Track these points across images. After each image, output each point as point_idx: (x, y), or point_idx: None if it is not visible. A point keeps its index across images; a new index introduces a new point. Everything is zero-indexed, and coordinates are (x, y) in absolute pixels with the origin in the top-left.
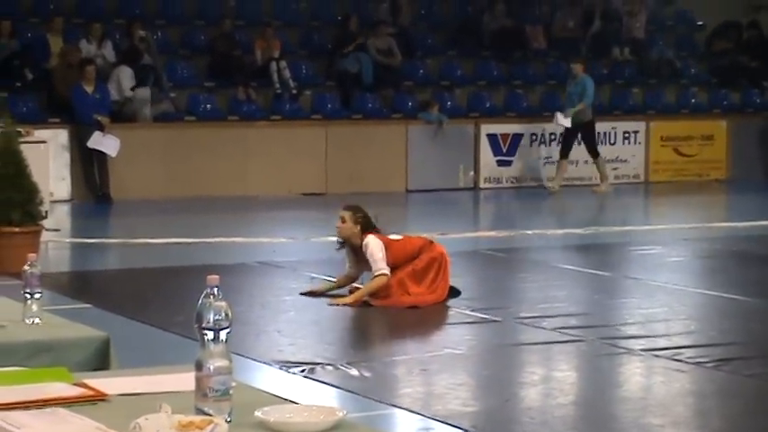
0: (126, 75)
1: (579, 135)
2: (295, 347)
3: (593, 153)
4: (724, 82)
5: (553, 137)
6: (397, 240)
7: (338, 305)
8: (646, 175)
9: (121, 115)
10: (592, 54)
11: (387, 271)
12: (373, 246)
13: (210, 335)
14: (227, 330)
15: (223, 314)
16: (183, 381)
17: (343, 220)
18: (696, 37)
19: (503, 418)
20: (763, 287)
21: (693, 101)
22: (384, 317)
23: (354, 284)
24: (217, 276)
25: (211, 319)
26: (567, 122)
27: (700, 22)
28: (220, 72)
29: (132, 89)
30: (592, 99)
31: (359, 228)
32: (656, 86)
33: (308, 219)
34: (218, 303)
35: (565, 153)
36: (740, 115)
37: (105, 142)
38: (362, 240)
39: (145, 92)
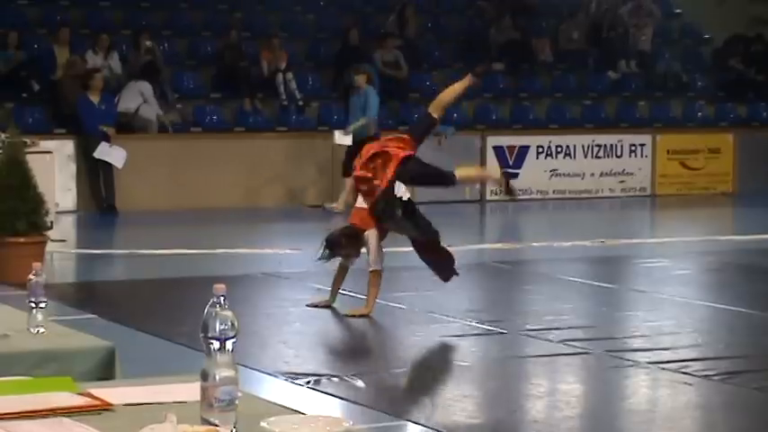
0: (149, 89)
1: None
2: (300, 359)
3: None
4: (730, 95)
5: (560, 149)
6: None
7: (355, 316)
8: (652, 188)
9: (130, 127)
10: (599, 66)
11: (378, 267)
12: (372, 240)
13: (216, 344)
14: (233, 340)
15: (229, 324)
16: (189, 391)
17: None
18: (703, 50)
19: (509, 430)
20: None
21: (700, 114)
22: (390, 329)
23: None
24: (223, 285)
25: (217, 329)
26: (348, 140)
27: (706, 36)
28: (227, 83)
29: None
30: (375, 113)
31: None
32: (662, 99)
33: (314, 230)
34: (225, 313)
35: (347, 171)
36: (747, 128)
37: (112, 153)
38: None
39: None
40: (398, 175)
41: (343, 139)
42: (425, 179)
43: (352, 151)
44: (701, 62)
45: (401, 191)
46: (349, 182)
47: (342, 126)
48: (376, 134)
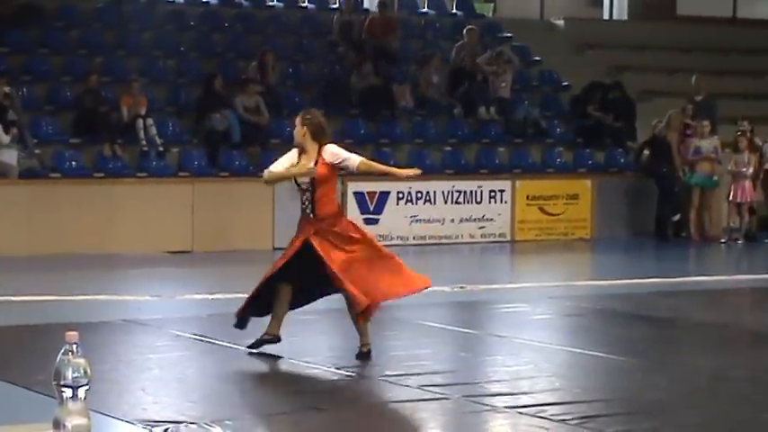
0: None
1: None
2: (159, 406)
3: None
4: (589, 142)
5: (420, 195)
6: None
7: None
8: (512, 233)
9: None
10: (459, 113)
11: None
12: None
13: (69, 392)
14: (86, 388)
15: (81, 371)
16: None
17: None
18: (561, 97)
19: None
20: (626, 345)
21: (559, 160)
22: (250, 375)
23: None
24: (75, 333)
25: (69, 376)
26: None
27: (565, 83)
28: (86, 128)
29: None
30: None
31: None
32: (521, 146)
33: (174, 276)
34: (77, 360)
35: None
36: (605, 174)
37: None
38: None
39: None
40: None
41: None
42: None
43: None
44: (560, 109)
45: None
46: None
47: None
48: None
